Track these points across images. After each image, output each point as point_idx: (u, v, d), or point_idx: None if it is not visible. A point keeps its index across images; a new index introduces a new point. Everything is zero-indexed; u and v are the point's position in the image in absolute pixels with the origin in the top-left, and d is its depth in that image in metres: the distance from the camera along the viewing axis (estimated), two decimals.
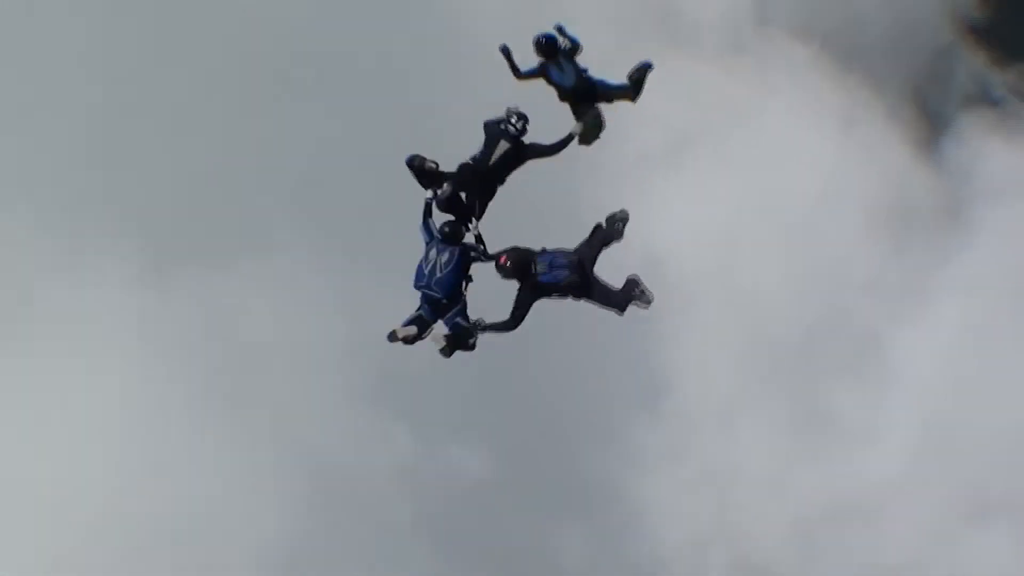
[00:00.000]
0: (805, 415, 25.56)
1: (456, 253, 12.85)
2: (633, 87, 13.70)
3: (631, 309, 13.15)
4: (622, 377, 24.94)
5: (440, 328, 12.98)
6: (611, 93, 13.73)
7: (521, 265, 12.77)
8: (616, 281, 13.22)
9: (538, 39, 13.44)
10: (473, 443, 24.21)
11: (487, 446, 24.25)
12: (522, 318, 12.91)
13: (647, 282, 13.19)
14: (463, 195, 13.33)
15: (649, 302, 12.99)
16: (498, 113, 13.50)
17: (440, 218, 13.36)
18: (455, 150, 13.55)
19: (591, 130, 13.63)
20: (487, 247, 13.16)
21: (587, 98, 13.60)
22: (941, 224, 26.10)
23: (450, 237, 12.94)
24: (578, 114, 13.65)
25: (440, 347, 12.88)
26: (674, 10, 26.09)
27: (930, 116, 27.64)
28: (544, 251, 12.92)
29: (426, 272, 12.81)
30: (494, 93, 13.87)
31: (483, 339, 13.21)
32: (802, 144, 25.13)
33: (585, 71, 13.61)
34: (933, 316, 25.57)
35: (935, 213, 26.13)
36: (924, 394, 25.58)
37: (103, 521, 22.46)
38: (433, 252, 12.88)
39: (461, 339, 12.89)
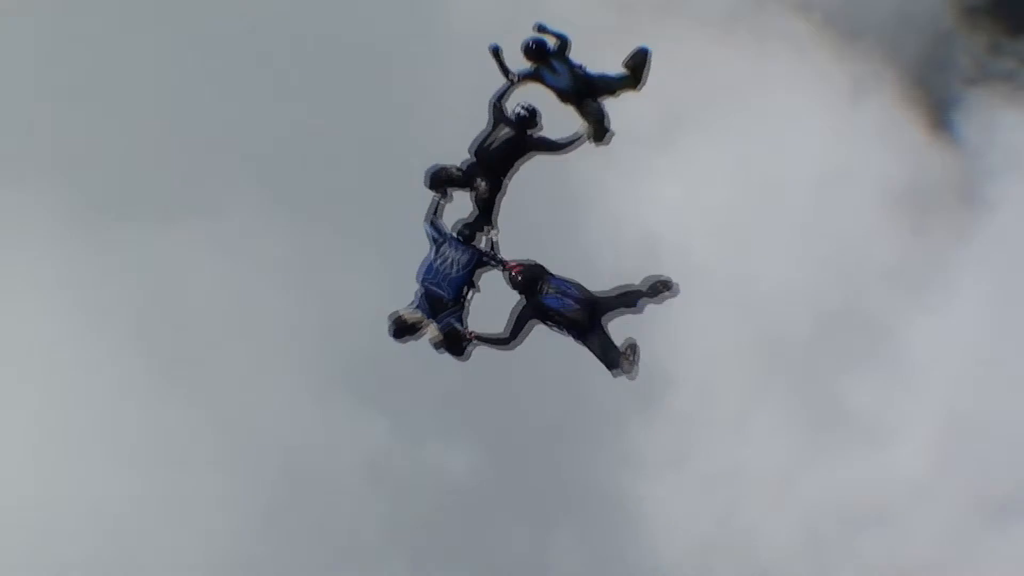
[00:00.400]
0: (817, 412, 24.01)
1: (472, 256, 12.96)
2: (633, 75, 13.27)
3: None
4: None
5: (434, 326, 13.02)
6: (612, 85, 13.29)
7: (530, 279, 12.74)
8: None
9: (526, 45, 13.11)
10: (458, 439, 22.63)
11: (473, 443, 22.71)
12: (518, 335, 12.87)
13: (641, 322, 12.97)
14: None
15: (632, 374, 12.80)
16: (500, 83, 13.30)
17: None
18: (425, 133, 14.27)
19: (599, 128, 13.29)
20: (499, 253, 13.13)
21: (588, 96, 13.25)
22: (957, 202, 24.42)
23: (467, 238, 13.04)
24: (584, 114, 13.31)
25: (435, 340, 12.94)
26: None
27: (935, 95, 25.91)
28: (560, 277, 12.83)
29: (437, 268, 12.90)
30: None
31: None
32: (807, 121, 23.44)
33: (580, 67, 13.25)
34: (952, 301, 23.94)
35: (950, 191, 24.43)
36: (944, 385, 24.03)
37: (34, 516, 20.66)
38: (449, 250, 12.97)
39: (453, 341, 12.94)
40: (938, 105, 25.42)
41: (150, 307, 21.47)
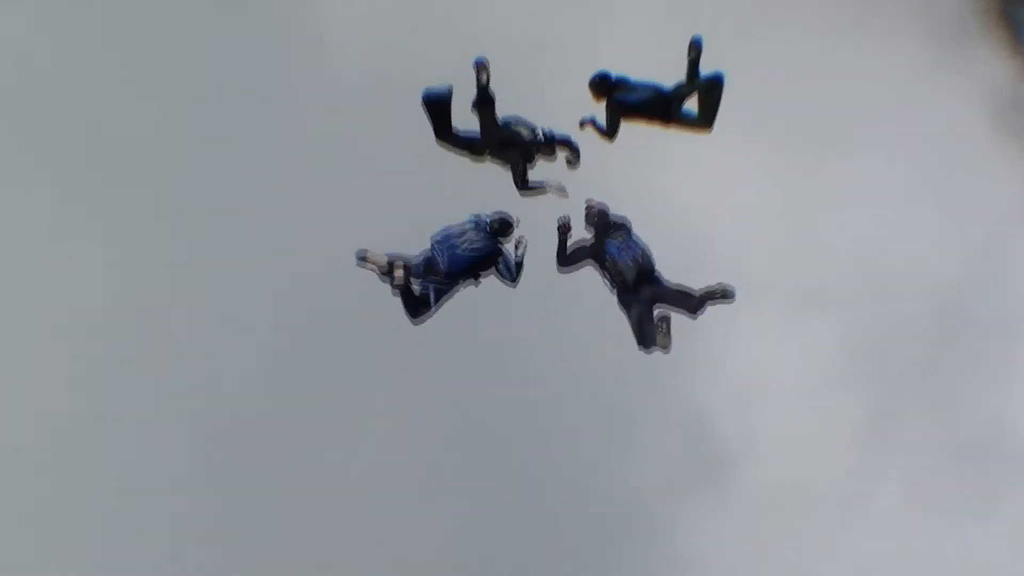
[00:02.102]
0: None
1: (487, 248, 12.60)
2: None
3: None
4: None
5: (405, 275, 12.37)
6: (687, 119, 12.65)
7: (605, 217, 12.78)
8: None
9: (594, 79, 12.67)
10: None
11: None
12: (569, 264, 12.81)
13: None
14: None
15: (667, 349, 12.51)
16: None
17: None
18: None
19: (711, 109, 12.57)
20: (519, 270, 12.75)
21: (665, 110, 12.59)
22: None
23: (496, 231, 12.72)
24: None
25: (391, 281, 12.35)
26: None
27: None
28: (636, 238, 12.74)
29: (451, 236, 12.57)
30: None
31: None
32: None
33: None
34: None
35: None
36: None
37: None
38: (471, 229, 12.66)
39: (417, 302, 12.46)
40: None
41: None
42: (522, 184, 12.78)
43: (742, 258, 17.10)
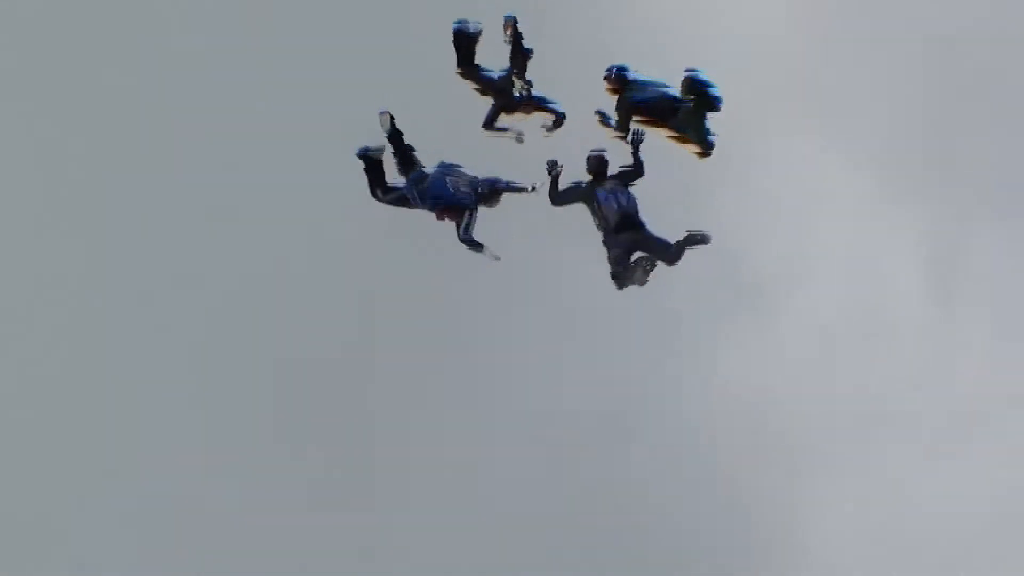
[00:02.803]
0: None
1: (465, 200, 13.30)
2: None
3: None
4: None
5: (387, 148, 13.47)
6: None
7: (600, 164, 13.14)
8: None
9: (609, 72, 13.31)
10: None
11: None
12: (562, 199, 13.18)
13: None
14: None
15: (643, 282, 12.95)
16: None
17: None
18: None
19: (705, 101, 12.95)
20: (471, 225, 13.27)
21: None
22: None
23: (482, 196, 13.37)
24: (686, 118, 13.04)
25: (383, 130, 13.46)
26: None
27: None
28: (630, 193, 13.05)
29: (452, 171, 13.42)
30: None
31: None
32: None
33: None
34: None
35: None
36: None
37: None
38: (470, 181, 13.39)
39: (378, 182, 13.51)
40: None
41: None
42: (488, 125, 13.58)
43: (780, 59, 15.04)
